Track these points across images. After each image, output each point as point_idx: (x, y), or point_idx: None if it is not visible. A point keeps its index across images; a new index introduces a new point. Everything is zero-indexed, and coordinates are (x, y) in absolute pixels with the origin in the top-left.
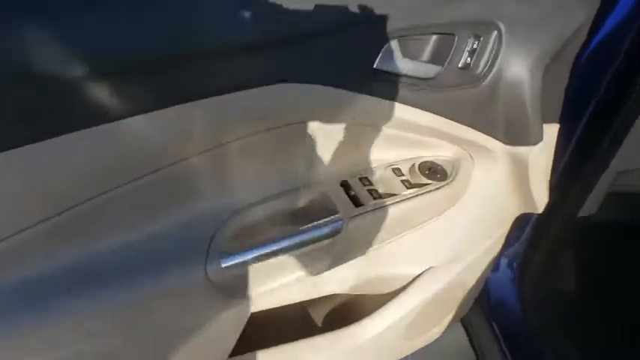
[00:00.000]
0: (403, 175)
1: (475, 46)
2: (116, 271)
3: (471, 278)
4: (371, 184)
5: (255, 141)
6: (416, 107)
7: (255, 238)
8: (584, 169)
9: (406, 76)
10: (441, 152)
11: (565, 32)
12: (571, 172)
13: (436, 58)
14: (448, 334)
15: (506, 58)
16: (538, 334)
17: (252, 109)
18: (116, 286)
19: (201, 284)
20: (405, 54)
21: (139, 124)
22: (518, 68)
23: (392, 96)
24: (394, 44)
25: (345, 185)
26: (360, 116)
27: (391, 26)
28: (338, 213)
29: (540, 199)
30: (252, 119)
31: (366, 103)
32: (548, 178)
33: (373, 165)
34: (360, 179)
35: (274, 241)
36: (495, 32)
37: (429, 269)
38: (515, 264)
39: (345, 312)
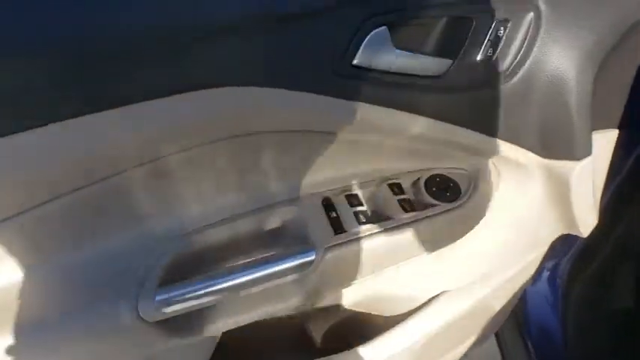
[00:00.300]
0: (403, 193)
1: (501, 32)
2: (33, 303)
3: (498, 302)
4: (360, 203)
5: (208, 151)
6: (415, 113)
7: (204, 268)
8: None
9: (400, 74)
10: (455, 163)
11: (634, 13)
12: (636, 183)
13: (444, 50)
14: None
15: (545, 49)
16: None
17: (186, 117)
18: (34, 320)
19: (132, 323)
20: (399, 44)
21: (47, 135)
22: (561, 63)
23: (379, 100)
24: (382, 32)
25: (328, 204)
26: (338, 125)
27: (377, 8)
28: (310, 241)
29: (586, 223)
30: (188, 129)
31: (345, 109)
32: (597, 198)
33: (366, 179)
34: (348, 197)
35: (225, 274)
36: (531, 14)
37: (444, 292)
38: (558, 279)
39: (346, 331)
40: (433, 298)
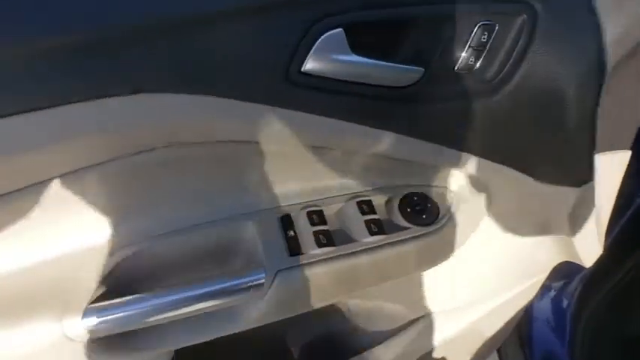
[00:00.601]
0: (373, 212)
1: (485, 38)
2: None
3: (490, 327)
4: (323, 222)
5: (154, 158)
6: (381, 128)
7: (144, 285)
8: None
9: (361, 83)
10: (436, 181)
11: None
12: None
13: (415, 57)
14: None
15: (540, 58)
16: None
17: (121, 122)
18: None
19: (58, 342)
20: (359, 50)
21: None
22: (558, 75)
23: (337, 113)
24: (337, 35)
25: (286, 221)
26: (294, 139)
27: (332, 6)
28: (261, 262)
29: (589, 253)
30: (126, 134)
31: (299, 122)
32: (603, 226)
33: (332, 194)
34: (310, 214)
35: (164, 293)
36: (523, 17)
37: (429, 314)
38: (565, 301)
39: (325, 347)
40: (417, 319)
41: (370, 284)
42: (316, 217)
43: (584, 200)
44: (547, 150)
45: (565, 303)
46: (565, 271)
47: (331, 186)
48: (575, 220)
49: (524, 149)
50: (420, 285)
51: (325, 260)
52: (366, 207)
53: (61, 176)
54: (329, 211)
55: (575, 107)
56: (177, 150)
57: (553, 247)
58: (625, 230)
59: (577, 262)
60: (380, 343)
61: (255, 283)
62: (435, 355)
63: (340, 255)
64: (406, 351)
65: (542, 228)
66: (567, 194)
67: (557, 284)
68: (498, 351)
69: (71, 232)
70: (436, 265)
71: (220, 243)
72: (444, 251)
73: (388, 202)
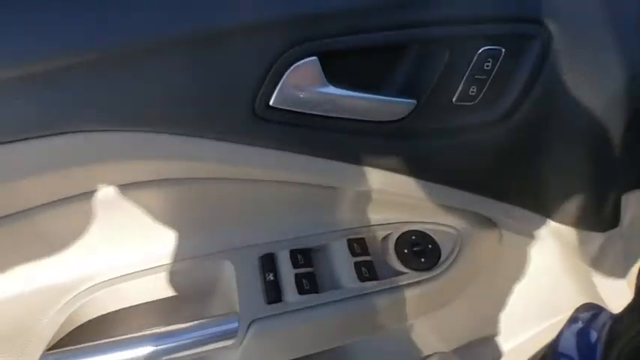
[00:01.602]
0: (366, 253)
1: (489, 65)
2: None
3: None
4: (308, 263)
5: (124, 194)
6: (366, 166)
7: (110, 330)
8: None
9: (341, 118)
10: (439, 218)
11: None
12: None
13: (406, 87)
14: None
15: (553, 87)
16: None
17: (82, 158)
18: None
19: None
20: (338, 80)
21: None
22: (576, 104)
23: (314, 150)
24: (310, 64)
25: (267, 262)
26: (269, 177)
27: (305, 31)
28: (235, 309)
29: (615, 300)
30: (91, 170)
31: (267, 159)
32: (634, 271)
33: (321, 230)
34: (294, 253)
35: (127, 342)
36: (535, 40)
37: (439, 353)
38: (595, 334)
39: None
40: (425, 357)
41: (358, 335)
42: (301, 257)
43: (610, 246)
44: (564, 190)
45: (594, 337)
46: (591, 306)
47: (320, 221)
48: (599, 266)
49: (536, 189)
50: (428, 322)
51: (306, 309)
52: (357, 246)
53: (18, 213)
54: (316, 250)
55: (596, 143)
56: (150, 185)
57: (575, 288)
58: None
59: (601, 304)
60: None
61: (226, 333)
62: None
63: (324, 303)
64: None
65: (561, 272)
66: (590, 239)
67: (585, 315)
68: None
69: (31, 270)
70: (435, 311)
71: (196, 282)
72: (444, 298)
73: (384, 239)
